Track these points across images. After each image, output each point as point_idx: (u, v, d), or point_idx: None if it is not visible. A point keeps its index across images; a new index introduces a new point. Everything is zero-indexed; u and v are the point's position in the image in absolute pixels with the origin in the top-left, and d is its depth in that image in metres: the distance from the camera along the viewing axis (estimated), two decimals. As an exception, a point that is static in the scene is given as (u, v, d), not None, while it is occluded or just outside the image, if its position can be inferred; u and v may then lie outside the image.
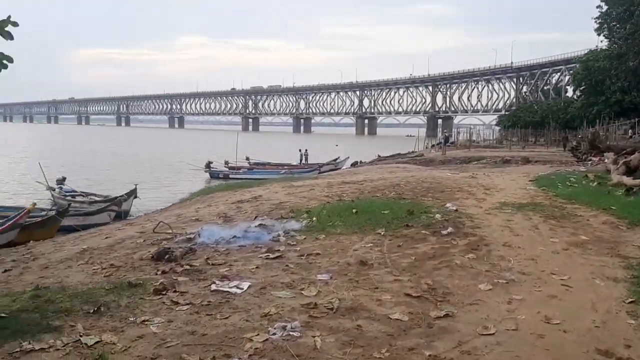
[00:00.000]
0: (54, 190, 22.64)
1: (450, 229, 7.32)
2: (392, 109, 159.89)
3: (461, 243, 6.76)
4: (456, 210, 8.85)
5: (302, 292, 5.01)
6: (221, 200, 12.17)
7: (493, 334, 4.11)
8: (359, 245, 6.76)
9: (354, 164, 36.85)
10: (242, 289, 5.07)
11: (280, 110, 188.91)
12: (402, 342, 3.95)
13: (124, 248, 7.23)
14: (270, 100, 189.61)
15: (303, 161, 40.04)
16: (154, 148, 65.01)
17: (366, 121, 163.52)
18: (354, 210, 8.54)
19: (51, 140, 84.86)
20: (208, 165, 34.49)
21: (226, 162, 36.44)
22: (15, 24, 5.88)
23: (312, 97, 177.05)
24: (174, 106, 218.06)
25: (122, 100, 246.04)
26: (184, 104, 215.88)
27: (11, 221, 14.30)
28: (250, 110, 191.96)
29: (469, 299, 4.84)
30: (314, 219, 8.20)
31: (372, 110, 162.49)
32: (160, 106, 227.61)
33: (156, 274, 5.62)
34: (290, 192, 12.23)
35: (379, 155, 40.94)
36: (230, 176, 33.66)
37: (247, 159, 39.53)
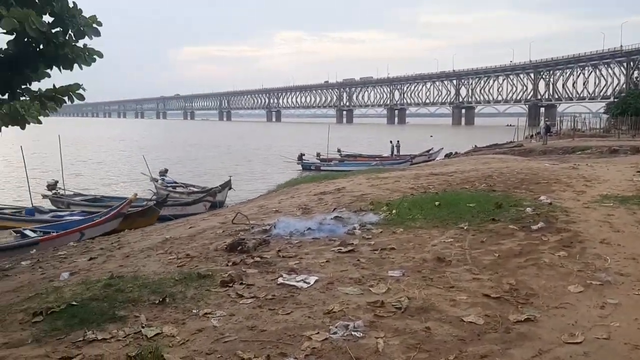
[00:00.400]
0: (157, 181, 23.81)
1: (541, 224, 6.71)
2: (490, 98, 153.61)
3: (552, 239, 6.17)
4: (550, 203, 8.16)
5: (371, 288, 4.73)
6: (305, 191, 12.08)
7: (580, 342, 3.63)
8: (438, 240, 6.36)
9: (447, 155, 35.71)
10: (309, 283, 4.88)
11: (374, 101, 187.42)
12: (473, 348, 3.58)
13: (202, 238, 7.28)
14: (364, 92, 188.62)
15: (395, 153, 39.36)
16: (251, 141, 66.72)
17: (463, 111, 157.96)
18: (436, 203, 8.10)
19: (159, 135, 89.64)
20: (300, 157, 34.87)
21: (318, 154, 36.64)
22: (99, 24, 6.09)
23: (407, 88, 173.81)
24: (271, 100, 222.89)
25: (224, 95, 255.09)
26: (281, 98, 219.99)
27: (114, 211, 15.10)
28: (344, 102, 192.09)
29: (556, 302, 4.34)
30: (394, 211, 7.86)
31: (470, 100, 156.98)
32: (259, 100, 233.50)
33: (227, 265, 5.56)
34: (374, 184, 11.91)
35: (475, 146, 39.42)
36: (322, 168, 33.83)
37: (339, 151, 39.51)
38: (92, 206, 18.27)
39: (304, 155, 35.17)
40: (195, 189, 22.56)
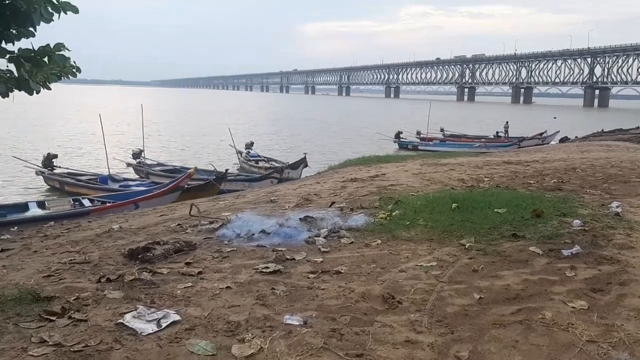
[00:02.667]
0: (241, 154, 23.23)
1: (576, 248, 4.55)
2: (629, 79, 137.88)
3: (581, 275, 4.05)
4: (618, 214, 5.84)
5: (237, 346, 3.07)
6: (339, 176, 10.40)
7: None
8: (415, 262, 4.47)
9: (563, 140, 31.76)
10: (160, 327, 3.30)
11: (498, 79, 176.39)
12: None
13: (144, 233, 5.89)
14: (488, 69, 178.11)
15: (503, 134, 35.92)
16: (360, 117, 64.78)
17: (597, 92, 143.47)
18: (453, 205, 6.08)
19: (275, 108, 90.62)
20: (397, 135, 32.87)
21: (418, 133, 34.37)
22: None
23: (535, 66, 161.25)
24: (390, 76, 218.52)
25: (344, 71, 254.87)
26: (400, 74, 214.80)
27: (172, 184, 14.49)
28: (467, 79, 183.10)
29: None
30: (394, 213, 5.99)
31: (605, 80, 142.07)
32: (378, 76, 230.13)
33: (99, 281, 4.13)
34: (422, 172, 9.95)
35: (602, 130, 34.80)
36: (420, 147, 31.69)
37: (442, 130, 36.83)
38: (168, 177, 17.79)
39: (401, 133, 33.05)
40: (276, 164, 21.60)
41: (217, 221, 5.99)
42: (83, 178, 17.38)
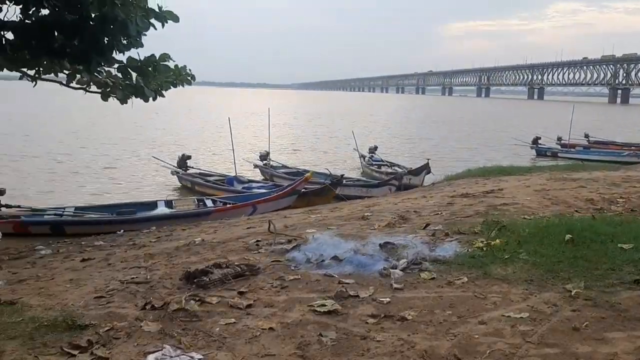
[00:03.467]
0: (364, 158, 22.91)
1: None
2: None
3: None
4: None
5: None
6: (450, 190, 9.56)
7: None
8: (503, 310, 3.68)
9: None
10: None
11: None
12: None
13: (217, 249, 5.62)
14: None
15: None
16: (498, 120, 61.20)
17: None
18: (567, 237, 5.08)
19: (407, 110, 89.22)
20: (535, 141, 30.39)
21: (559, 139, 31.55)
22: None
23: None
24: (534, 77, 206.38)
25: (483, 71, 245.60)
26: (545, 74, 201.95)
27: (289, 188, 14.57)
28: (621, 80, 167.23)
29: None
30: (494, 242, 5.14)
31: None
32: (520, 77, 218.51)
33: (143, 307, 3.85)
34: (544, 189, 8.79)
35: None
36: (559, 155, 29.13)
37: (587, 136, 33.51)
38: (290, 179, 17.94)
39: (539, 138, 30.51)
40: (398, 170, 20.95)
41: (294, 240, 5.56)
42: (211, 179, 18.01)
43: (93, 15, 6.84)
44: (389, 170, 21.03)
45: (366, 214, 7.35)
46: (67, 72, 7.41)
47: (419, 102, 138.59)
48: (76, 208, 13.30)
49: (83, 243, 7.20)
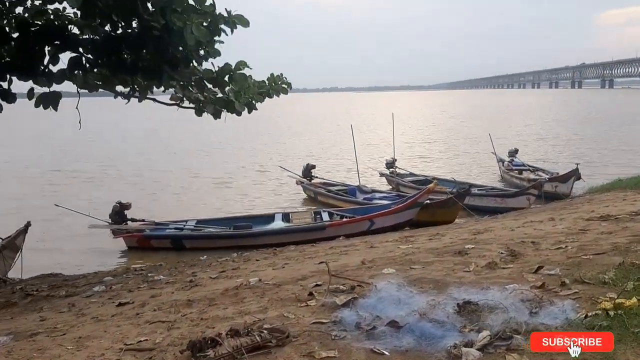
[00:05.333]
0: (503, 163, 20.96)
1: None
2: None
3: None
4: None
5: None
6: (588, 208, 7.71)
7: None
8: None
9: None
10: None
11: None
12: None
13: (267, 295, 4.64)
14: None
15: None
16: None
17: None
18: None
19: (556, 107, 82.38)
20: None
21: None
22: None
23: None
24: None
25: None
26: None
27: (410, 200, 13.58)
28: None
29: None
30: (627, 302, 3.59)
31: None
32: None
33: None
34: None
35: None
36: None
37: None
38: (418, 188, 16.75)
39: None
40: (543, 175, 18.71)
41: (357, 287, 4.43)
42: (334, 188, 17.38)
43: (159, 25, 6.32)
44: (532, 176, 18.82)
45: (467, 245, 5.95)
46: (139, 87, 6.99)
47: (573, 97, 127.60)
48: (197, 221, 13.32)
49: (149, 275, 6.67)
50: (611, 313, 3.52)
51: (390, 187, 19.17)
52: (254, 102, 7.71)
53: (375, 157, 24.99)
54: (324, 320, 3.75)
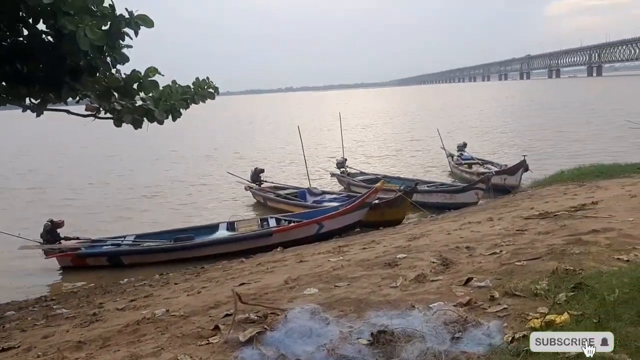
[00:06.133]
0: (452, 157, 20.81)
1: None
2: None
3: None
4: None
5: None
6: (527, 205, 7.43)
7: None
8: None
9: None
10: None
11: None
12: None
13: (170, 330, 4.11)
14: None
15: None
16: (614, 102, 54.48)
17: None
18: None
19: (504, 99, 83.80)
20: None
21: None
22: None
23: None
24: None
25: (594, 49, 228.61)
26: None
27: (358, 200, 13.19)
28: None
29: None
30: (558, 319, 3.23)
31: None
32: (637, 51, 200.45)
33: None
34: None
35: None
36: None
37: None
38: (369, 188, 16.40)
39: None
40: (493, 168, 18.60)
41: (268, 316, 3.96)
42: (283, 192, 16.86)
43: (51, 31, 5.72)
44: (481, 169, 18.73)
45: (399, 255, 5.54)
46: (35, 100, 6.34)
47: (520, 88, 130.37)
48: (136, 236, 12.66)
49: (54, 307, 6.03)
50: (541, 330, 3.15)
51: (342, 187, 18.81)
52: (177, 109, 7.21)
53: (326, 158, 24.60)
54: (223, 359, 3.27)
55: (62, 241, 11.83)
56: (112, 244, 12.17)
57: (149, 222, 14.95)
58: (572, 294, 3.67)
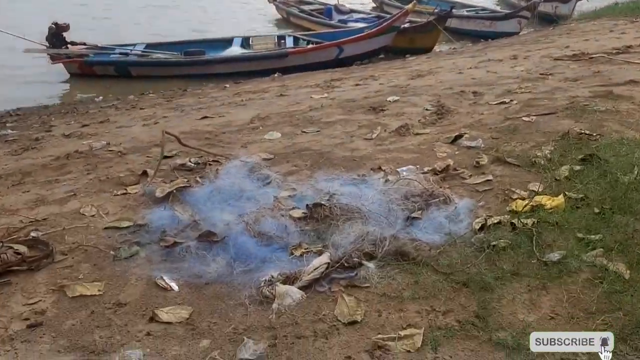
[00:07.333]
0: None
1: None
2: None
3: None
4: None
5: None
6: (561, 43, 6.27)
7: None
8: None
9: None
10: None
11: None
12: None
13: (85, 174, 3.50)
14: None
15: None
16: None
17: None
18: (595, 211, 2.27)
19: None
20: None
21: None
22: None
23: None
24: None
25: None
26: None
27: (384, 23, 11.94)
28: None
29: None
30: (550, 203, 2.50)
31: None
32: None
33: None
34: None
35: None
36: None
37: None
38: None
39: None
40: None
41: (211, 164, 3.32)
42: (307, 8, 15.46)
43: None
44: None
45: (390, 98, 4.68)
46: None
47: None
48: (147, 45, 11.86)
49: (7, 126, 5.50)
50: (523, 222, 2.43)
51: (374, 5, 17.17)
52: None
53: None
54: (124, 224, 2.69)
55: (68, 46, 11.20)
56: (120, 53, 11.50)
57: (164, 30, 13.79)
58: (578, 167, 2.89)
